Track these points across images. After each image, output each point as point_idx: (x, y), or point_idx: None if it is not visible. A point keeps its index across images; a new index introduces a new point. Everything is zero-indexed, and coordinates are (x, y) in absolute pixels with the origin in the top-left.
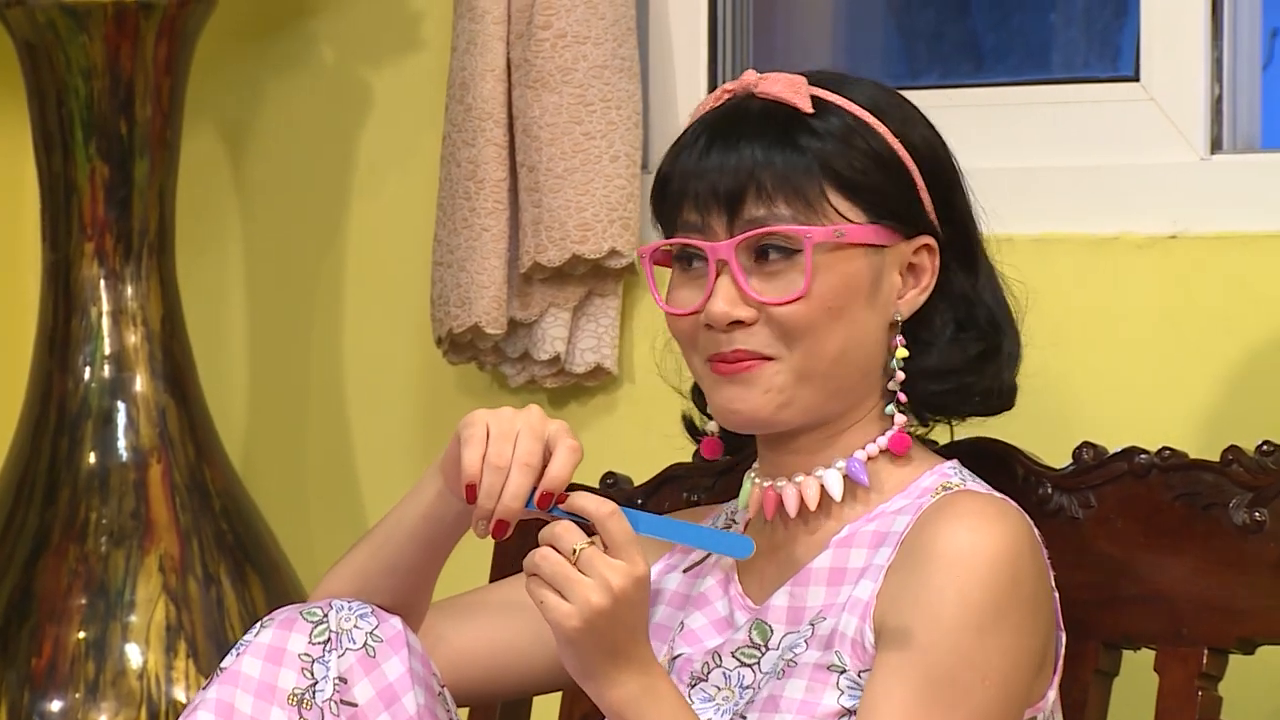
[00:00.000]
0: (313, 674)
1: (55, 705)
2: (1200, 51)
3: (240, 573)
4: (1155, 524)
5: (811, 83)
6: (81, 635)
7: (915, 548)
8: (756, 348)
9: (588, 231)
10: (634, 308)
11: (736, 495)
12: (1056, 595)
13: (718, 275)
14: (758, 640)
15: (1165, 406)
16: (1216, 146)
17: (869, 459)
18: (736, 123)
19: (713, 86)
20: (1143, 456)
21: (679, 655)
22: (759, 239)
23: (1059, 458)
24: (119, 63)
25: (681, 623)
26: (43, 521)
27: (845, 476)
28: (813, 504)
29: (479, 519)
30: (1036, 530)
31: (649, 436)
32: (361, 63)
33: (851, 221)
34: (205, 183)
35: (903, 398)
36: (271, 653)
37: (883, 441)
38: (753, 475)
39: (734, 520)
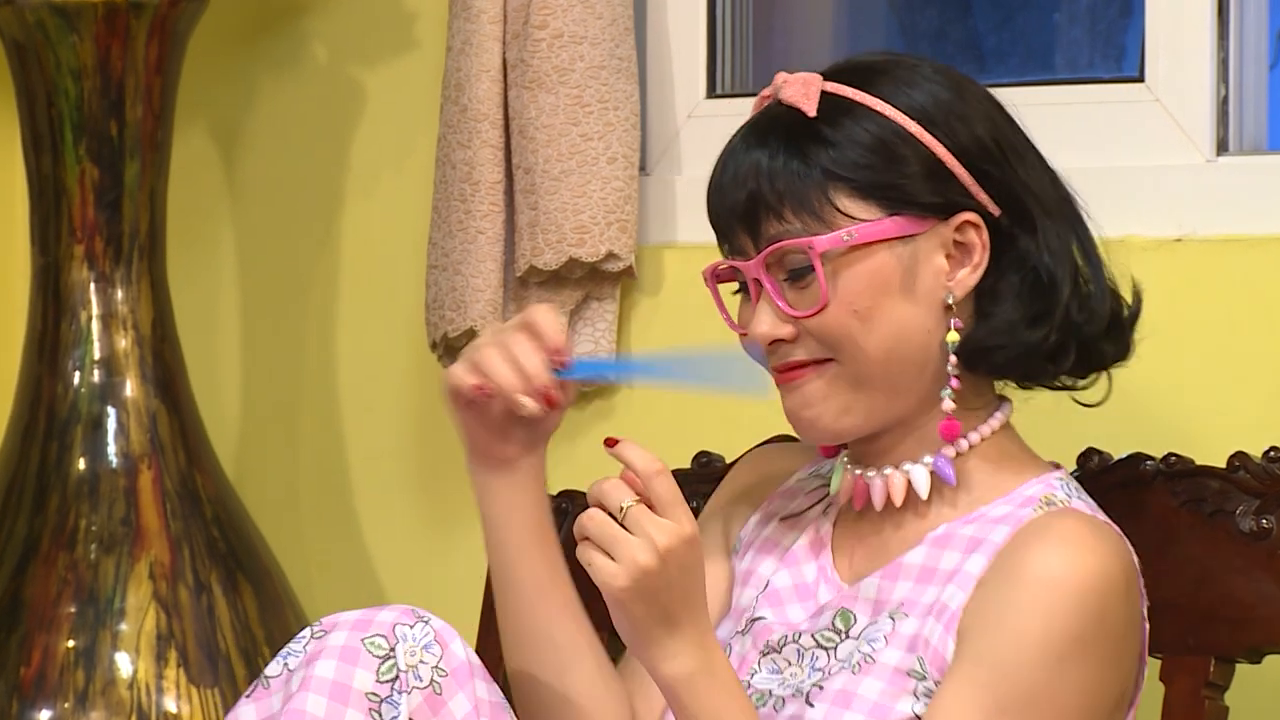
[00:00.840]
0: (381, 715)
1: (44, 715)
2: (1206, 51)
3: (232, 580)
4: (1160, 531)
5: (832, 78)
6: (71, 644)
7: (1008, 565)
8: (808, 357)
9: (584, 234)
10: (631, 312)
11: None
12: (1146, 626)
13: (758, 295)
14: (840, 626)
15: (1171, 412)
16: (1223, 148)
17: (958, 455)
18: (753, 133)
19: (711, 87)
20: (1148, 463)
21: (760, 618)
22: (779, 255)
23: (1063, 464)
24: (109, 63)
25: (768, 581)
26: (32, 528)
27: (933, 473)
28: (898, 499)
29: (518, 400)
30: (1135, 557)
31: (647, 443)
32: (355, 63)
33: (863, 221)
34: (197, 184)
35: (955, 384)
36: (337, 690)
37: (974, 437)
38: (844, 459)
39: (825, 481)
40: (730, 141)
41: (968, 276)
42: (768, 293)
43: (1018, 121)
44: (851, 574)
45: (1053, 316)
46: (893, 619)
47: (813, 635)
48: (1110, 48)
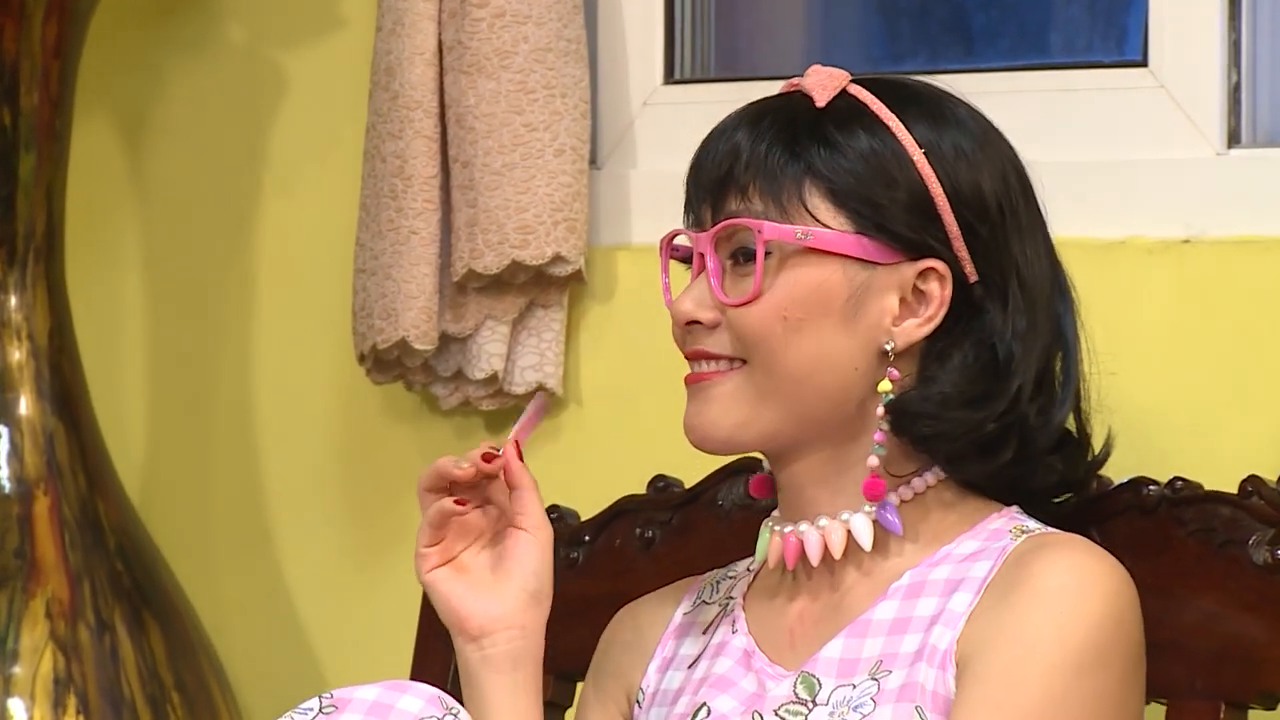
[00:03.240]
0: None
1: None
2: (1216, 33)
3: (137, 619)
4: (1165, 563)
5: (861, 81)
6: None
7: (1009, 586)
8: (718, 351)
9: (529, 235)
10: (581, 321)
11: (697, 532)
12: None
13: (699, 271)
14: (804, 695)
15: (1178, 432)
16: (1234, 140)
17: (903, 502)
18: (750, 110)
19: (669, 72)
20: (1151, 488)
21: (702, 706)
22: (730, 233)
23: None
24: (1, 45)
25: (706, 705)
26: None
27: (875, 523)
28: (837, 550)
29: (474, 464)
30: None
31: (598, 466)
32: (274, 44)
33: (828, 227)
34: (99, 180)
35: (879, 436)
36: None
37: (919, 484)
38: (770, 523)
39: (733, 578)
40: (727, 116)
41: (915, 328)
42: (708, 271)
43: (1038, 197)
44: (802, 650)
45: (994, 403)
46: (875, 679)
47: (775, 712)
48: (1111, 28)
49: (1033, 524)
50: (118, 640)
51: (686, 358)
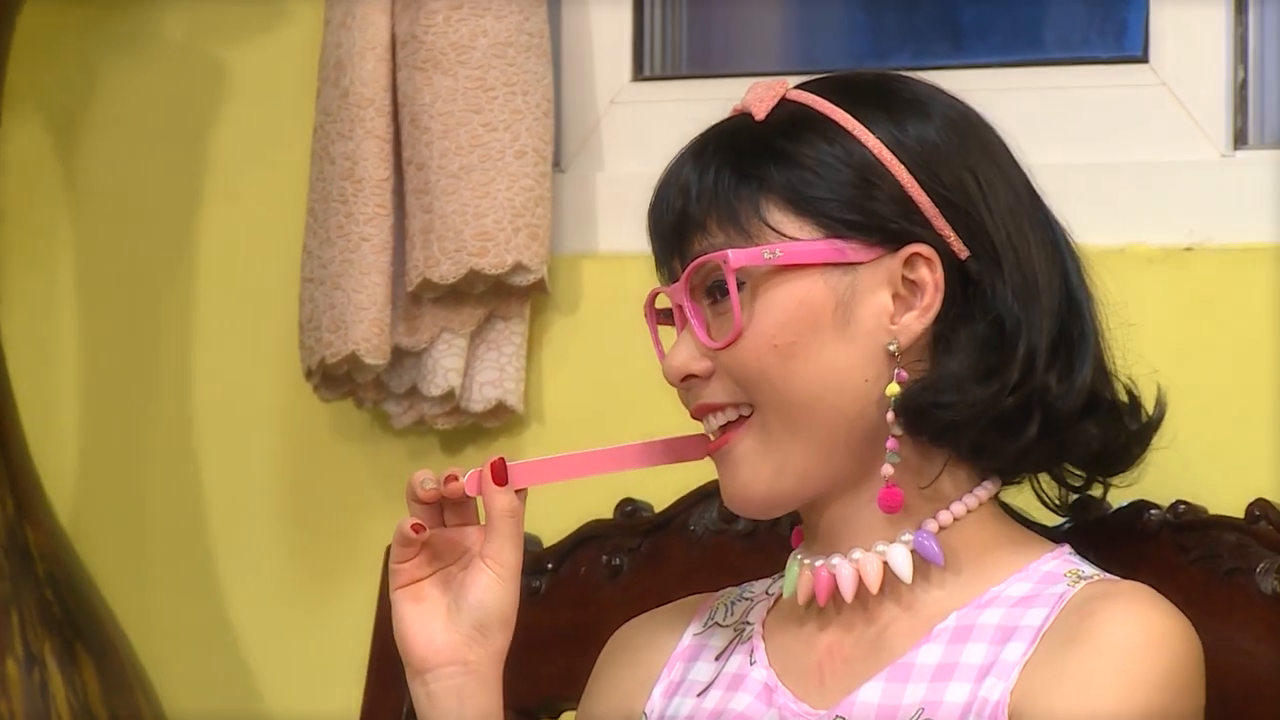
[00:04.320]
0: None
1: None
2: (1221, 27)
3: (69, 652)
4: (1167, 593)
5: (811, 88)
6: None
7: (1070, 637)
8: (726, 399)
9: (488, 242)
10: (543, 334)
11: (668, 559)
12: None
13: (682, 324)
14: None
15: (1181, 450)
16: (1240, 141)
17: (942, 528)
18: (694, 145)
19: (638, 68)
20: (1153, 512)
21: None
22: (702, 274)
23: (1053, 513)
24: None
25: None
26: None
27: (914, 552)
28: (874, 585)
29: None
30: None
31: (561, 489)
32: (216, 39)
33: (795, 239)
34: (29, 184)
35: (892, 443)
36: None
37: (958, 509)
38: (798, 555)
39: (749, 599)
40: (673, 158)
41: (914, 320)
42: (690, 320)
43: (1020, 164)
44: (834, 691)
45: (1006, 373)
46: None
47: None
48: (1109, 23)
49: (1089, 569)
50: (48, 674)
51: (694, 417)
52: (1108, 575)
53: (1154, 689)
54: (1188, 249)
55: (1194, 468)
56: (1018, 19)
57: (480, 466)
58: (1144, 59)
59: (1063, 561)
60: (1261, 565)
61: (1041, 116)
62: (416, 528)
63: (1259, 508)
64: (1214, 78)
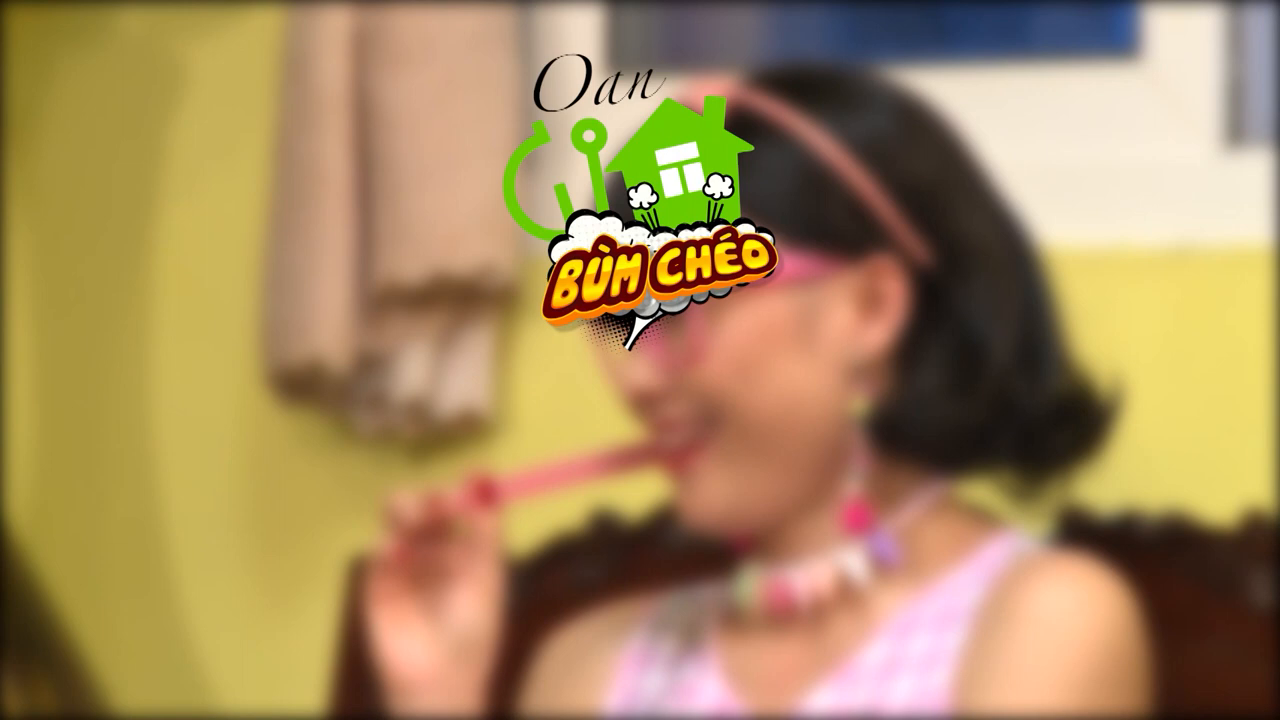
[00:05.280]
0: None
1: None
2: (1215, 21)
3: (24, 671)
4: (1158, 610)
5: (752, 81)
6: None
7: (996, 616)
8: (679, 416)
9: (456, 243)
10: (515, 338)
11: (644, 575)
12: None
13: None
14: None
15: (1172, 460)
16: (1235, 138)
17: (899, 531)
18: None
19: (614, 59)
20: (1143, 525)
21: None
22: None
23: (1037, 525)
24: None
25: None
26: None
27: (872, 557)
28: (830, 594)
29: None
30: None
31: (533, 501)
32: (172, 33)
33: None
34: None
35: (860, 462)
36: None
37: (915, 510)
38: (749, 563)
39: (697, 605)
40: None
41: (877, 334)
42: (645, 339)
43: (975, 156)
44: (779, 693)
45: (979, 387)
46: None
47: None
48: (1098, 17)
49: (1034, 547)
50: (2, 693)
51: (656, 433)
52: (1043, 549)
53: (1082, 660)
54: (1179, 252)
55: (1186, 477)
56: (1003, 13)
57: (464, 485)
58: (1134, 54)
59: (1010, 545)
60: (1257, 579)
61: (1027, 113)
62: (401, 553)
63: (1252, 519)
64: (1207, 73)
